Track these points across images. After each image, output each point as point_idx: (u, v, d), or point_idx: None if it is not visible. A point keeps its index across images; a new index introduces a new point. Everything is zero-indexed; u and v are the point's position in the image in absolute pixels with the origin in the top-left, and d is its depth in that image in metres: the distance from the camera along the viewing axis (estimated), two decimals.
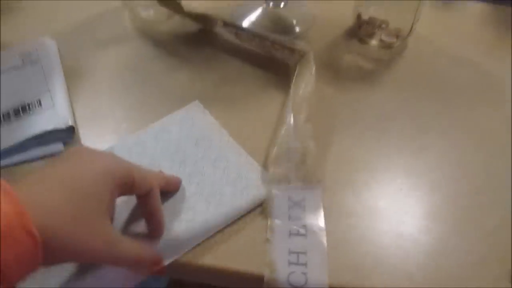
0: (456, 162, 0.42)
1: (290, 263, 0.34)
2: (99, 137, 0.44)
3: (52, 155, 0.42)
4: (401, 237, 0.37)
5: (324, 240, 0.36)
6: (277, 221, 0.37)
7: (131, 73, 0.51)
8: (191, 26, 0.55)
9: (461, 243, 0.37)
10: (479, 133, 0.44)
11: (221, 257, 0.35)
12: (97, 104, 0.47)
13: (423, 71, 0.51)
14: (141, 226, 0.36)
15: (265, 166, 0.41)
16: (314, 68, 0.46)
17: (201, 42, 0.54)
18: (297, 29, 0.56)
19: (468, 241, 0.37)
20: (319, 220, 0.37)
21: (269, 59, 0.51)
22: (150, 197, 0.35)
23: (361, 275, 0.35)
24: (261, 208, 0.38)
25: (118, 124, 0.45)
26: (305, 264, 0.34)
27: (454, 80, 0.50)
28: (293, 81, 0.46)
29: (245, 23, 0.56)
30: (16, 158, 0.42)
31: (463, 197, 0.39)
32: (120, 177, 0.32)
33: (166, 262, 0.34)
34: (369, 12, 0.53)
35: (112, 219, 0.33)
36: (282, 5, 0.57)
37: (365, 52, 0.53)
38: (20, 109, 0.44)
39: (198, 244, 0.36)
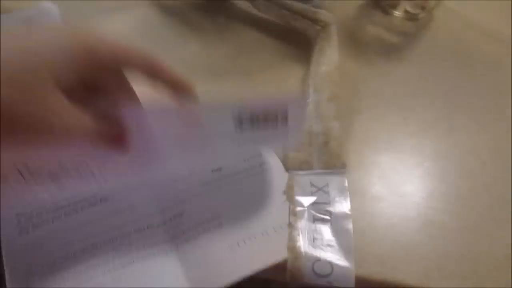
0: (489, 146, 0.40)
1: (315, 246, 0.33)
2: None
3: None
4: (430, 224, 0.35)
5: (351, 227, 0.34)
6: (299, 207, 0.35)
7: (138, 42, 0.47)
8: None
9: (494, 232, 0.35)
10: (510, 115, 0.42)
11: None
12: None
13: (451, 45, 0.48)
14: None
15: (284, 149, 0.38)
16: (337, 42, 0.43)
17: (214, 10, 0.50)
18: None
19: (501, 231, 0.35)
20: (345, 206, 0.35)
21: (288, 30, 0.47)
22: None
23: (389, 265, 0.33)
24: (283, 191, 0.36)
25: None
26: (331, 249, 0.33)
27: (485, 56, 0.47)
28: (314, 55, 0.43)
29: None
30: None
31: (496, 185, 0.37)
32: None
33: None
34: None
35: None
36: None
37: (388, 24, 0.50)
38: None
39: None
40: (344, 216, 0.34)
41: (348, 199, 0.35)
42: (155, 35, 0.48)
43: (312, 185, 0.36)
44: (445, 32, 0.49)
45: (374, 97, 0.43)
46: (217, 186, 0.35)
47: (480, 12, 0.51)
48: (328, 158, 0.37)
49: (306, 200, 0.35)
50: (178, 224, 0.33)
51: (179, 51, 0.46)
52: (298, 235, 0.33)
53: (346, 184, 0.36)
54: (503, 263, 0.33)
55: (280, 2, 0.47)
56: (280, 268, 0.32)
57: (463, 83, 0.44)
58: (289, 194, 0.35)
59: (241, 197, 0.35)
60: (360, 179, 0.37)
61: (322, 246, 0.33)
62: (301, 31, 0.46)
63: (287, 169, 0.37)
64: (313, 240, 0.33)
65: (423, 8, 0.49)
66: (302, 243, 0.33)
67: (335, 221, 0.34)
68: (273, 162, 0.37)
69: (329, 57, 0.42)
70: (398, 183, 0.37)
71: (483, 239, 0.34)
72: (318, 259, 0.32)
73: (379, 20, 0.50)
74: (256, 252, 0.32)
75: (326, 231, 0.34)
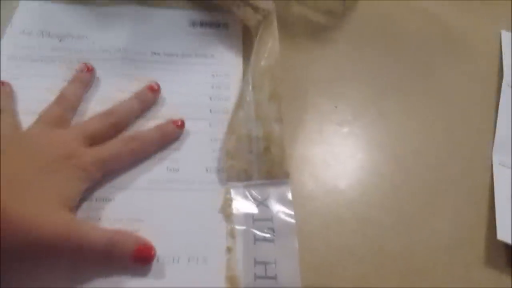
0: (419, 132, 0.38)
1: (256, 277, 0.29)
2: None
3: None
4: (366, 223, 0.33)
5: (296, 245, 0.30)
6: (238, 226, 0.31)
7: None
8: None
9: (430, 225, 0.33)
10: (442, 96, 0.40)
11: None
12: None
13: (379, 24, 0.45)
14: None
15: (220, 159, 0.34)
16: (277, 33, 0.39)
17: None
18: None
19: (438, 223, 0.33)
20: (289, 222, 0.31)
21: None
22: None
23: (323, 272, 0.30)
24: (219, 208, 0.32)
25: None
26: (274, 278, 0.29)
27: (415, 35, 0.45)
28: (255, 46, 0.38)
29: None
30: None
31: (430, 171, 0.36)
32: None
33: None
34: None
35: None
36: None
37: (316, 3, 0.46)
38: None
39: None
40: (289, 233, 0.31)
41: (293, 213, 0.32)
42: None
43: (252, 198, 0.32)
44: (373, 11, 0.46)
45: (302, 84, 0.39)
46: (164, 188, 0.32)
47: None
48: (269, 167, 0.33)
49: (246, 217, 0.31)
50: (101, 208, 0.30)
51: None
52: (238, 261, 0.29)
53: (290, 196, 0.32)
54: (441, 255, 0.32)
55: None
56: None
57: (391, 63, 0.42)
58: (226, 212, 0.31)
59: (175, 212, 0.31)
60: (291, 177, 0.34)
61: (265, 271, 0.29)
62: (243, 21, 0.42)
63: (223, 180, 0.33)
64: (254, 265, 0.29)
65: None
66: (243, 273, 0.29)
67: (279, 239, 0.30)
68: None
69: (271, 49, 0.38)
70: (331, 179, 0.34)
71: (419, 233, 0.33)
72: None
73: (306, 1, 0.46)
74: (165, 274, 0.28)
75: (269, 251, 0.30)
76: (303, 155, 0.35)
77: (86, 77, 0.36)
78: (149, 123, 0.35)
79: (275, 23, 0.38)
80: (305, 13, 0.45)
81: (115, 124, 0.33)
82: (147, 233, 0.29)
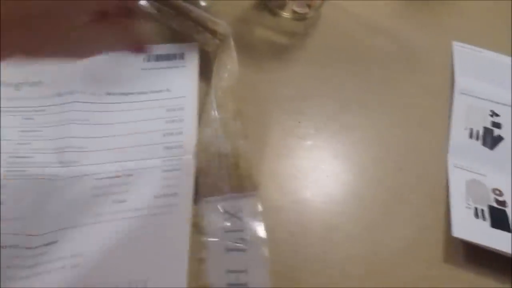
0: (379, 140, 0.40)
1: (229, 285, 0.30)
2: None
3: None
4: (332, 230, 0.34)
5: (266, 252, 0.32)
6: (211, 238, 0.32)
7: None
8: None
9: (392, 228, 0.35)
10: (400, 107, 0.43)
11: None
12: None
13: (339, 42, 0.48)
14: None
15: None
16: (235, 54, 0.41)
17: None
18: (202, 2, 0.50)
19: (398, 225, 0.35)
20: (259, 231, 0.33)
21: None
22: None
23: (291, 279, 0.32)
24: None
25: None
26: (245, 285, 0.30)
27: (372, 51, 0.47)
28: (215, 69, 0.41)
29: None
30: None
31: (389, 177, 0.38)
32: None
33: None
34: None
35: None
36: None
37: (277, 25, 0.49)
38: None
39: None
40: (260, 241, 0.33)
41: (262, 224, 0.33)
42: None
43: (224, 211, 0.34)
44: (333, 30, 0.49)
45: (269, 102, 0.42)
46: (109, 219, 0.33)
47: (366, 8, 0.52)
48: (239, 181, 0.35)
49: (218, 230, 0.33)
50: (47, 253, 0.31)
51: None
52: (210, 271, 0.31)
53: (260, 208, 0.34)
54: (402, 256, 0.34)
55: (182, 11, 0.44)
56: None
57: (352, 79, 0.45)
58: (200, 225, 0.33)
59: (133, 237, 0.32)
60: (260, 190, 0.35)
61: (237, 279, 0.31)
62: (203, 45, 0.44)
63: (197, 196, 0.34)
64: (226, 274, 0.31)
65: (309, 7, 0.49)
66: (215, 278, 0.31)
67: (250, 248, 0.32)
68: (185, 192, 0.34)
69: (230, 71, 0.40)
70: (297, 190, 0.36)
71: (382, 236, 0.35)
72: None
73: (267, 22, 0.49)
74: None
75: (240, 260, 0.32)
76: (270, 169, 0.37)
77: None
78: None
79: (232, 46, 0.41)
80: (267, 35, 0.48)
81: None
82: (89, 266, 0.30)
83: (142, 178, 0.35)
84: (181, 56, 0.42)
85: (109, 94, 0.39)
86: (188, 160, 0.36)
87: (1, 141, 0.36)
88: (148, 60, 0.42)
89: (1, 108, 0.38)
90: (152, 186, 0.34)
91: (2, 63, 0.24)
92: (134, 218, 0.33)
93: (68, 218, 0.32)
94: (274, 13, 0.50)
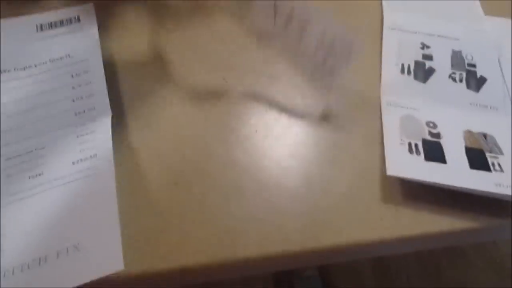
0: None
1: None
2: None
3: None
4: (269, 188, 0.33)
5: None
6: None
7: None
8: None
9: (330, 175, 0.34)
10: None
11: None
12: None
13: None
14: None
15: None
16: None
17: None
18: None
19: (336, 171, 0.34)
20: None
21: None
22: None
23: (231, 241, 0.30)
24: None
25: None
26: None
27: None
28: None
29: None
30: None
31: (326, 124, 0.36)
32: None
33: None
34: None
35: None
36: None
37: None
38: None
39: None
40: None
41: None
42: None
43: None
44: None
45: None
46: (28, 195, 0.31)
47: None
48: None
49: None
50: None
51: None
52: None
53: None
54: (342, 201, 0.33)
55: None
56: None
57: None
58: None
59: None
60: None
61: None
62: None
63: None
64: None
65: None
66: None
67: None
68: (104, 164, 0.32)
69: None
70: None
71: (320, 186, 0.33)
72: None
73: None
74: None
75: None
76: None
77: None
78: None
79: None
80: None
81: None
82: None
83: (56, 148, 0.33)
84: (77, 19, 0.39)
85: (4, 71, 0.36)
86: (104, 121, 0.34)
87: None
88: (41, 29, 0.39)
89: None
90: (68, 153, 0.33)
91: None
92: (56, 188, 0.31)
93: None
94: None
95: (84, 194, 0.31)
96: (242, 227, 0.31)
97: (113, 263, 0.28)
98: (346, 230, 0.31)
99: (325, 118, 0.37)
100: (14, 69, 0.36)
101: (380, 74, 0.39)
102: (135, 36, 0.40)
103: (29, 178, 0.32)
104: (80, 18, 0.39)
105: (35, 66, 0.37)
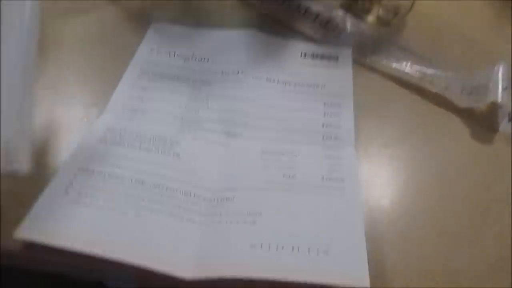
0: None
1: None
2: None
3: None
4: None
5: None
6: None
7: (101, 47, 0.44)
8: None
9: (474, 245, 0.33)
10: None
11: None
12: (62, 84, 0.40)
13: (423, 52, 0.47)
14: None
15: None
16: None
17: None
18: None
19: (482, 242, 0.33)
20: None
21: None
22: None
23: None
24: None
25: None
26: None
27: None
28: None
29: None
30: None
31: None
32: None
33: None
34: None
35: None
36: None
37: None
38: None
39: None
40: None
41: None
42: (114, 38, 0.45)
43: None
44: (417, 39, 0.48)
45: None
46: (281, 189, 0.34)
47: (452, 18, 0.50)
48: None
49: None
50: (222, 206, 0.33)
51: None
52: None
53: None
54: (485, 277, 0.32)
55: None
56: None
57: None
58: None
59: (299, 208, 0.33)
60: None
61: None
62: None
63: None
64: None
65: (396, 13, 0.48)
66: None
67: None
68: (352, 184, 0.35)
69: None
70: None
71: (462, 253, 0.33)
72: None
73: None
74: (284, 262, 0.30)
75: None
76: None
77: None
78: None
79: None
80: None
81: None
82: (267, 225, 0.32)
83: (307, 159, 0.36)
84: (335, 59, 0.45)
85: (268, 80, 0.42)
86: (350, 151, 0.37)
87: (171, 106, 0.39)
88: (305, 57, 0.45)
89: (171, 75, 0.42)
90: (318, 168, 0.36)
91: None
92: (306, 192, 0.34)
93: (241, 181, 0.35)
94: (358, 16, 0.49)
95: (332, 207, 0.33)
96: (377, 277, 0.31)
97: (359, 278, 0.29)
98: None
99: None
100: (278, 81, 0.42)
101: None
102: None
103: (284, 176, 0.35)
104: (339, 58, 0.45)
105: (295, 84, 0.42)
